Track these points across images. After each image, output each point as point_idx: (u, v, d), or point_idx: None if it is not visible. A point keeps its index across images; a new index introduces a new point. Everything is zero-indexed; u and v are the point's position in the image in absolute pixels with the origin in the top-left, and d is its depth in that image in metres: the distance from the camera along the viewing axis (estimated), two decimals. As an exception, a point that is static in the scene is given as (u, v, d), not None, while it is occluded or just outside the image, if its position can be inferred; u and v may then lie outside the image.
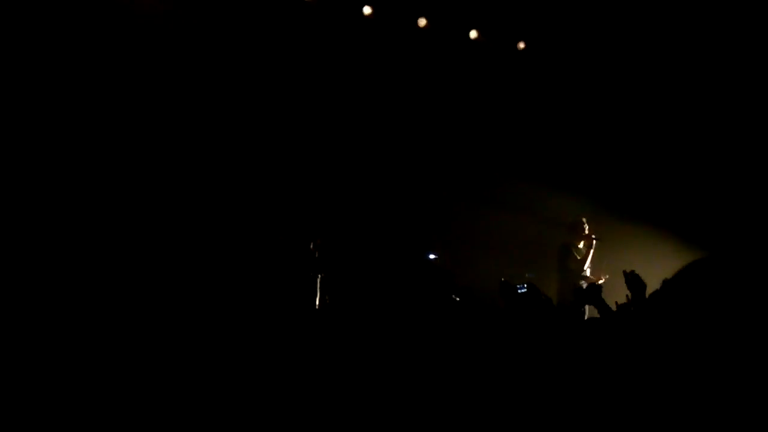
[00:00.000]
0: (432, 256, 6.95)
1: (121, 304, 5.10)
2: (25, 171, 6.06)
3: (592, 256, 6.82)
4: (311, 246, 6.06)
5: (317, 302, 5.73)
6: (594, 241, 6.80)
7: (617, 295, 4.27)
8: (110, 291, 5.41)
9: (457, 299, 5.06)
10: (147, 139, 6.58)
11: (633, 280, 3.65)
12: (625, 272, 3.71)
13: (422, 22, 7.31)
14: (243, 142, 7.05)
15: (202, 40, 6.73)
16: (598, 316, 3.92)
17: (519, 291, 3.55)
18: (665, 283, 1.45)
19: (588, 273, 6.81)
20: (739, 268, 1.30)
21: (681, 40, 7.19)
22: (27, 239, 5.79)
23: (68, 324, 4.53)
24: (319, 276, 5.90)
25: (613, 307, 3.59)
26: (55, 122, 6.27)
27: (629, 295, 3.69)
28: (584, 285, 6.77)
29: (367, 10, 7.09)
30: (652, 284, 2.95)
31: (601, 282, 6.78)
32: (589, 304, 4.37)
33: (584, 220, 6.96)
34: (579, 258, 6.77)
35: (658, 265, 6.30)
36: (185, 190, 6.72)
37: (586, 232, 6.86)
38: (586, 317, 5.05)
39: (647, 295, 3.38)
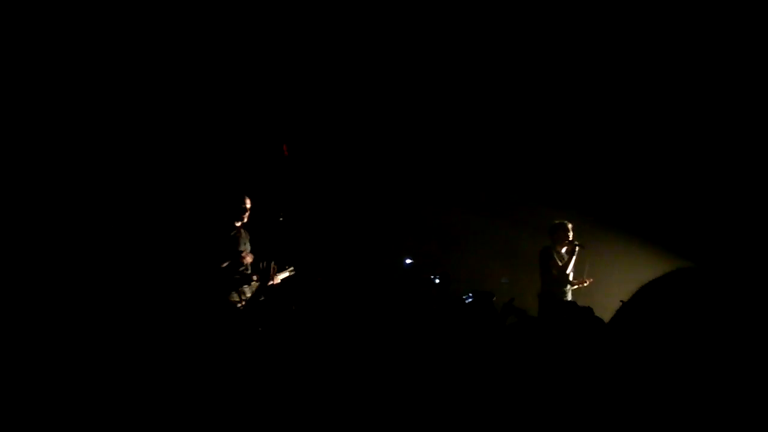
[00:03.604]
0: (408, 261, 6.95)
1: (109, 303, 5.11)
2: (23, 171, 6.07)
3: (574, 261, 6.70)
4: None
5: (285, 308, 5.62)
6: (576, 247, 6.68)
7: (598, 299, 4.32)
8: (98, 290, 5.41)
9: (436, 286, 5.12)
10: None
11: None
12: None
13: None
14: (226, 142, 7.06)
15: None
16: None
17: (466, 301, 3.61)
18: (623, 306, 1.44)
19: (571, 277, 6.69)
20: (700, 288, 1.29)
21: (659, 51, 7.26)
22: (26, 240, 5.77)
23: (63, 323, 4.54)
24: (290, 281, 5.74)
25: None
26: (52, 122, 6.28)
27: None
28: (568, 289, 6.81)
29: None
30: (632, 291, 3.01)
31: (583, 285, 6.86)
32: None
33: (569, 225, 6.81)
34: (560, 263, 6.64)
35: (638, 272, 6.38)
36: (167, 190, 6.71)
37: (570, 237, 6.74)
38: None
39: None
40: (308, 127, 7.46)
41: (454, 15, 7.47)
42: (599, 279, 6.92)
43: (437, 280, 5.93)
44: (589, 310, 3.91)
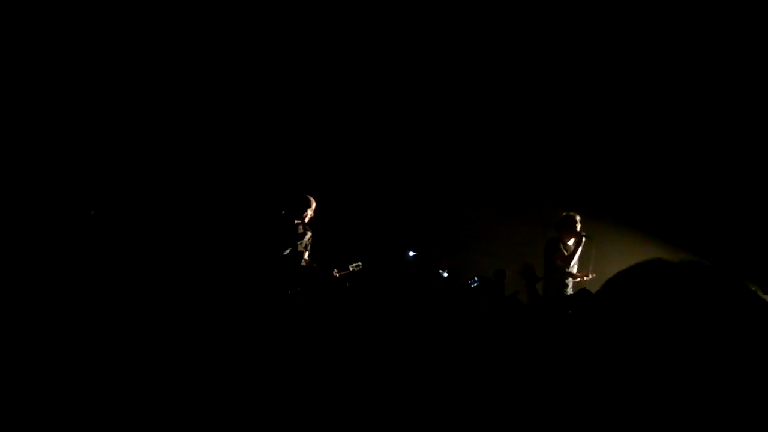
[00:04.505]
0: (412, 254, 6.91)
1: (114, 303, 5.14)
2: (24, 171, 6.13)
3: (580, 253, 6.68)
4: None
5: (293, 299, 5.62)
6: (583, 239, 6.64)
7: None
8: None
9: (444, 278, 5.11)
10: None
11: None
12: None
13: None
14: (232, 141, 7.12)
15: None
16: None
17: (471, 285, 3.61)
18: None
19: (574, 270, 6.71)
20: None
21: (663, 44, 7.17)
22: (26, 240, 5.81)
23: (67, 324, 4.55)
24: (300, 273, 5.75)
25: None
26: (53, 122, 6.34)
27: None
28: (570, 282, 6.76)
29: None
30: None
31: (585, 279, 6.80)
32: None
33: (577, 217, 6.78)
34: (566, 254, 6.62)
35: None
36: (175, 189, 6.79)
37: (578, 229, 6.71)
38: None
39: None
40: (323, 126, 7.50)
41: (461, 14, 7.43)
42: (604, 275, 6.87)
43: (445, 274, 5.88)
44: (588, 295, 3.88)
